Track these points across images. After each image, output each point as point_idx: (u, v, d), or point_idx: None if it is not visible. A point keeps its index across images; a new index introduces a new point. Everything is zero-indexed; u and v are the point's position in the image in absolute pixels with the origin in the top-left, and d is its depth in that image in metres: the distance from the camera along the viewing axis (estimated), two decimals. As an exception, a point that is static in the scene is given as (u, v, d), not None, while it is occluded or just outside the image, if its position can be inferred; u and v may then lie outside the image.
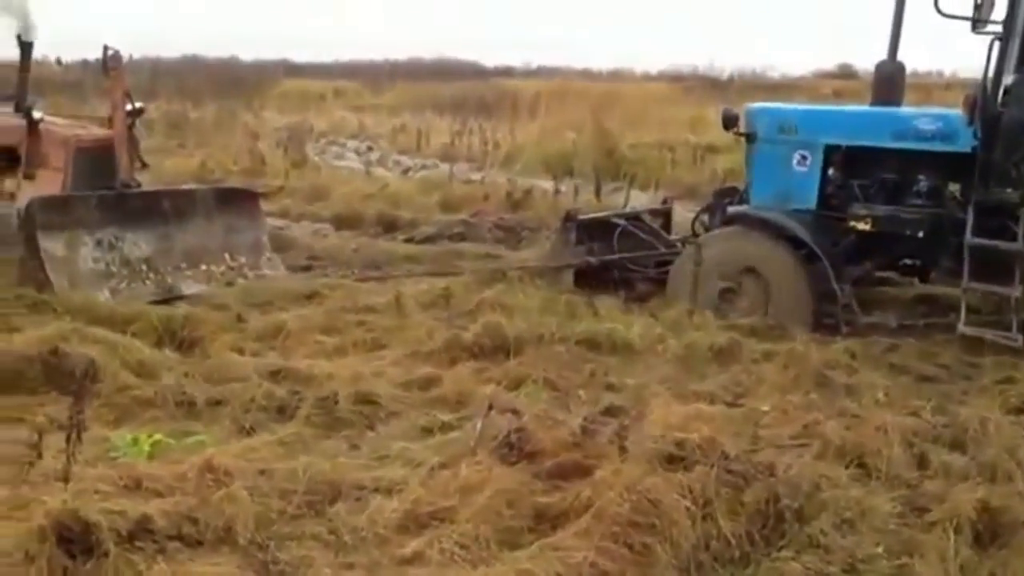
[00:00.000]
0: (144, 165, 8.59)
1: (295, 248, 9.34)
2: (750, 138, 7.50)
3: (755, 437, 4.51)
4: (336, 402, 4.94)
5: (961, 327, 6.36)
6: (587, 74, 40.11)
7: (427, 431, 4.75)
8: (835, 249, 6.90)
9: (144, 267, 7.21)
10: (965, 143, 6.56)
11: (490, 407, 4.43)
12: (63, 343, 5.14)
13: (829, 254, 6.78)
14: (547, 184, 13.93)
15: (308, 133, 24.94)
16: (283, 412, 4.93)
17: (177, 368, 5.32)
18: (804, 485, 3.82)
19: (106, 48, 7.22)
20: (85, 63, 39.71)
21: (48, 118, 7.81)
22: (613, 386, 5.50)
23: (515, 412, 4.40)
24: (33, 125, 7.49)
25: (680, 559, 3.42)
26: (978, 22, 6.34)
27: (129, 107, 7.67)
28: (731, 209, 7.54)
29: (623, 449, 4.07)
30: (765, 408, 5.03)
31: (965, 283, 6.41)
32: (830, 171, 7.23)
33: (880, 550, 3.60)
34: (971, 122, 6.39)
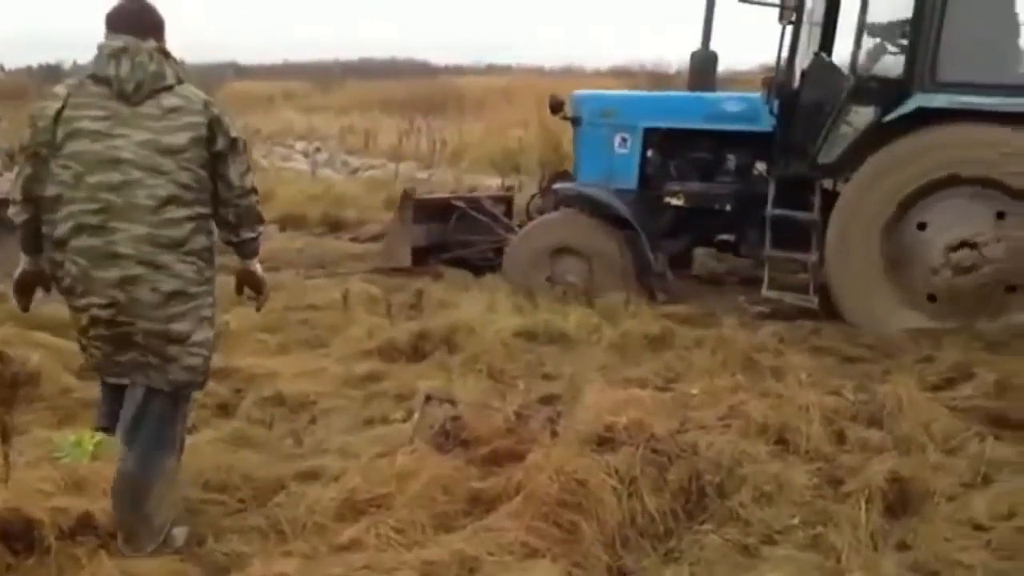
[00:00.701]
0: None
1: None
2: (576, 122, 7.92)
3: (683, 419, 4.69)
4: (280, 400, 5.05)
5: (764, 291, 6.94)
6: (538, 71, 40.27)
7: (368, 424, 4.88)
8: (654, 225, 7.38)
9: None
10: (767, 123, 7.10)
11: (428, 398, 4.57)
12: (4, 347, 5.18)
13: (647, 229, 7.22)
14: (494, 181, 14.08)
15: (254, 135, 24.92)
16: (225, 409, 5.04)
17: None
18: (725, 461, 4.01)
19: None
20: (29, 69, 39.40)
21: None
22: (550, 375, 5.67)
23: (451, 402, 4.54)
24: None
25: (606, 535, 3.57)
26: (784, 10, 6.81)
27: None
28: (557, 187, 8.01)
29: (554, 434, 4.23)
30: (694, 391, 5.19)
31: (767, 251, 6.95)
32: (649, 152, 7.70)
33: (796, 521, 3.79)
34: (767, 102, 6.97)
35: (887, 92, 6.67)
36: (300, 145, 24.56)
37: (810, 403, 4.81)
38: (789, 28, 6.88)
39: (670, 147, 7.74)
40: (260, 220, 3.42)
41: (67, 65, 41.33)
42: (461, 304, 6.77)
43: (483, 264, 8.16)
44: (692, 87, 8.05)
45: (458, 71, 42.72)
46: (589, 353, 6.05)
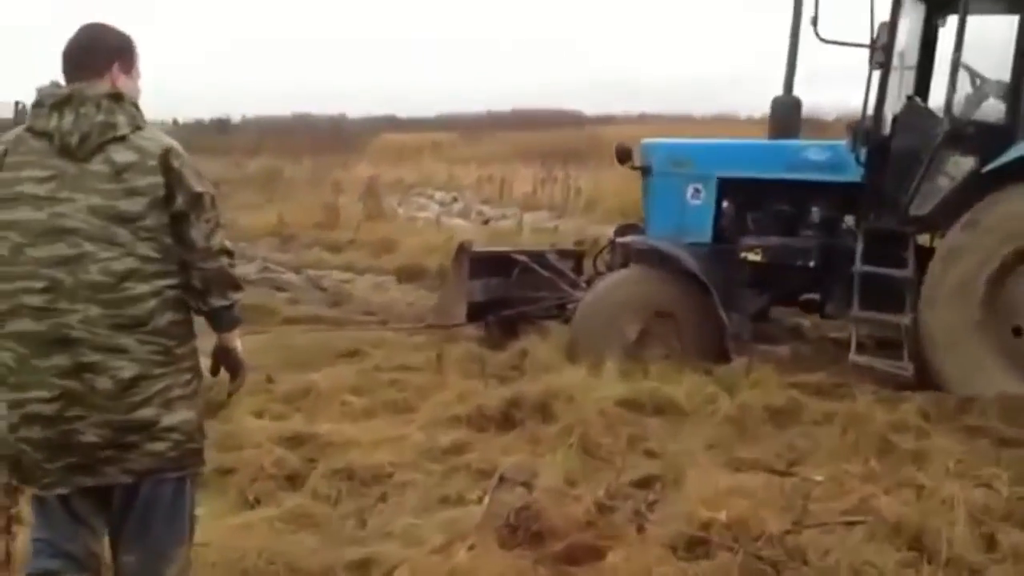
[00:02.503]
0: None
1: (351, 302, 9.18)
2: (645, 172, 7.42)
3: (802, 512, 4.03)
4: (352, 472, 4.65)
5: (852, 356, 6.27)
6: (688, 119, 39.52)
7: (443, 503, 4.41)
8: (729, 281, 6.78)
9: None
10: (855, 173, 6.51)
11: (501, 479, 4.07)
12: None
13: (720, 286, 6.64)
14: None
15: (397, 186, 25.25)
16: (293, 482, 4.67)
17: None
18: (842, 574, 3.35)
19: None
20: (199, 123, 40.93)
21: None
22: (652, 452, 5.08)
23: (527, 485, 4.02)
24: None
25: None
26: (875, 51, 6.28)
27: None
28: (621, 240, 7.50)
29: (641, 530, 3.66)
30: (818, 478, 4.53)
31: (855, 312, 6.33)
32: (724, 204, 7.24)
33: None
34: (854, 149, 6.41)
35: (987, 139, 6.08)
36: (439, 195, 24.69)
37: (956, 498, 4.08)
38: (877, 70, 6.33)
39: (748, 199, 7.18)
40: (234, 286, 2.93)
41: (236, 119, 43.28)
42: (564, 368, 6.23)
43: (545, 320, 7.63)
44: (773, 135, 7.45)
45: (609, 120, 42.41)
46: (700, 427, 5.43)
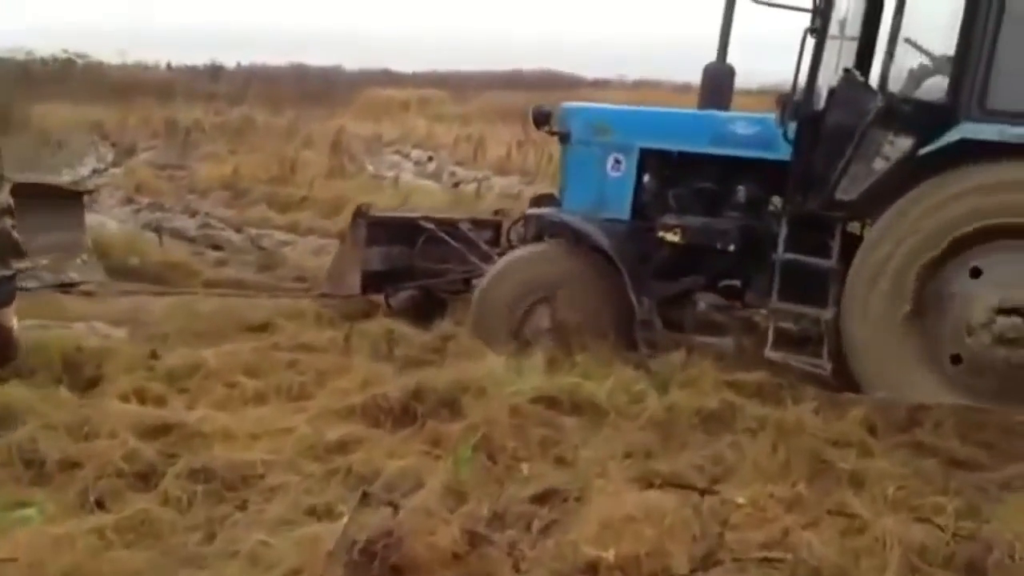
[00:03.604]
0: None
1: (284, 266, 8.60)
2: (563, 138, 6.77)
3: (709, 548, 3.51)
4: (215, 472, 4.09)
5: (767, 351, 5.81)
6: (686, 88, 38.64)
7: (309, 515, 3.85)
8: (645, 263, 6.26)
9: None
10: (785, 150, 5.91)
11: (364, 494, 3.53)
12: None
13: (634, 268, 6.13)
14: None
15: (374, 141, 24.59)
16: (146, 480, 4.12)
17: (44, 417, 4.52)
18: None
19: None
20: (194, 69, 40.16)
21: None
22: (563, 459, 4.53)
23: (394, 506, 3.48)
24: None
25: None
26: (814, 16, 5.73)
27: None
28: (532, 212, 6.90)
29: (517, 570, 3.13)
30: (740, 500, 4.00)
31: (773, 303, 5.87)
32: (646, 177, 6.60)
33: None
34: (782, 124, 5.86)
35: (926, 119, 5.54)
36: (415, 153, 24.01)
37: (890, 535, 3.57)
38: (811, 38, 5.76)
39: (670, 173, 6.58)
40: (18, 252, 2.37)
41: (231, 65, 42.34)
42: (488, 355, 5.66)
43: (451, 295, 7.05)
44: (703, 105, 6.85)
45: (606, 85, 41.48)
46: (621, 431, 4.86)
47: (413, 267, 7.28)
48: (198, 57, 41.19)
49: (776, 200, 6.35)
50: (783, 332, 5.91)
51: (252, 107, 30.31)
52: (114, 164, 18.75)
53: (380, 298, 7.22)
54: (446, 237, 7.25)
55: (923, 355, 5.57)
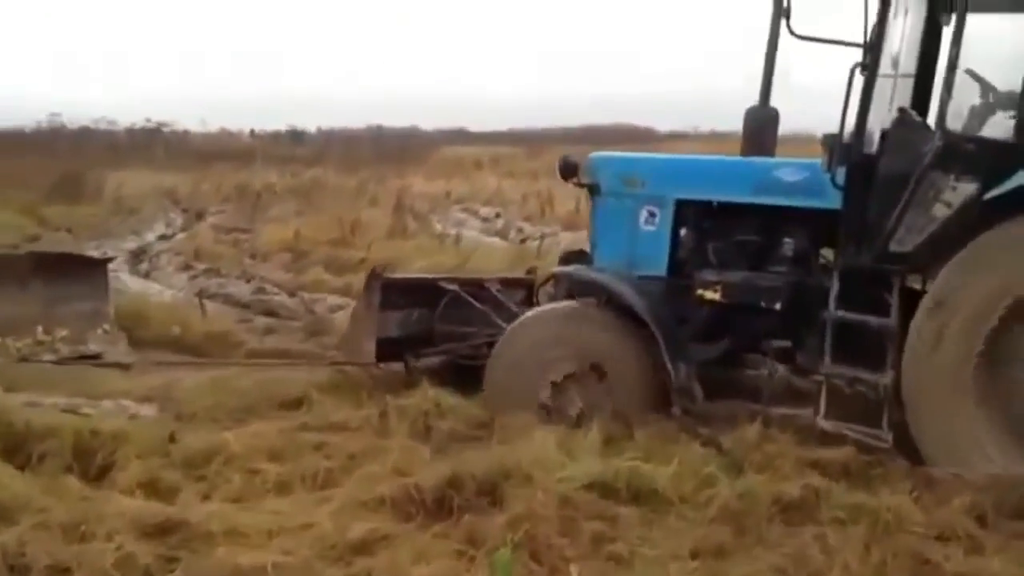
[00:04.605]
0: None
1: (332, 332, 8.16)
2: (593, 191, 6.34)
3: None
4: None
5: (820, 421, 5.25)
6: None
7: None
8: (683, 324, 5.80)
9: None
10: (836, 198, 5.40)
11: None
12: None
13: (670, 329, 5.65)
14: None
15: (444, 199, 24.45)
16: (137, 593, 3.63)
17: (41, 514, 4.08)
18: None
19: None
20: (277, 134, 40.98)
21: None
22: (620, 557, 3.94)
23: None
24: None
25: None
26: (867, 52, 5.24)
27: None
28: (559, 271, 6.45)
29: None
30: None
31: (826, 366, 5.30)
32: (682, 231, 6.17)
33: None
34: (829, 169, 5.31)
35: (991, 160, 4.96)
36: (484, 210, 23.75)
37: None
38: (860, 75, 5.26)
39: (709, 226, 6.08)
40: None
41: (312, 129, 43.18)
42: (537, 433, 5.09)
43: (474, 365, 6.35)
44: (746, 152, 6.31)
45: (682, 137, 40.96)
46: (688, 524, 4.25)
47: (433, 331, 6.78)
48: (280, 123, 42.07)
49: (827, 253, 5.83)
50: (837, 398, 5.29)
51: (327, 169, 30.56)
52: (182, 229, 18.80)
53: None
54: (470, 299, 6.74)
55: (996, 425, 4.94)
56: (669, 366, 5.51)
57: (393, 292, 6.57)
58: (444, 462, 4.68)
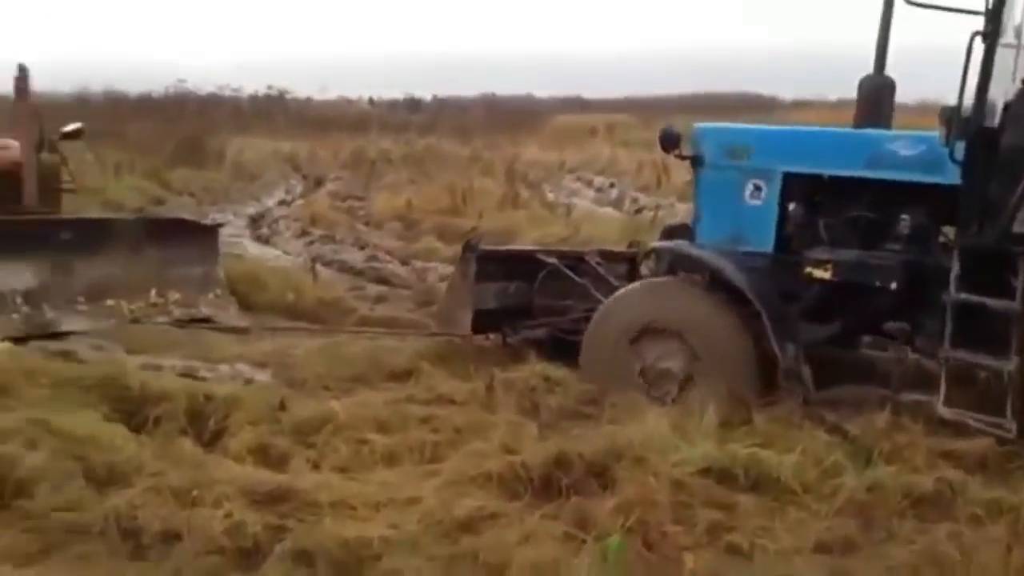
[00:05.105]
0: (69, 190, 8.26)
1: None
2: (696, 162, 6.06)
3: None
4: (322, 555, 3.55)
5: (940, 408, 4.92)
6: (901, 108, 36.10)
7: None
8: (791, 303, 5.52)
9: (19, 300, 6.69)
10: (955, 173, 5.06)
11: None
12: (10, 436, 4.09)
13: (776, 309, 5.37)
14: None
15: (558, 168, 24.27)
16: (249, 559, 3.61)
17: (153, 478, 4.11)
18: None
19: (20, 67, 7.15)
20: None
21: None
22: (738, 548, 3.75)
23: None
24: None
25: None
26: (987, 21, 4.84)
27: (69, 128, 7.78)
28: (659, 245, 6.26)
29: None
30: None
31: (945, 350, 4.97)
32: (790, 205, 5.90)
33: None
34: (947, 143, 4.96)
35: None
36: (598, 180, 23.47)
37: None
38: (980, 43, 4.87)
39: (820, 200, 5.79)
40: None
41: (428, 97, 43.56)
42: (649, 413, 4.91)
43: (573, 340, 6.15)
44: (860, 123, 5.96)
45: (805, 106, 39.65)
46: (812, 516, 4.01)
47: (531, 305, 6.65)
48: (398, 90, 42.39)
49: (948, 231, 5.49)
50: (958, 384, 4.97)
51: (440, 137, 30.67)
52: (301, 196, 19.09)
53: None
54: (568, 272, 6.58)
55: None
56: (775, 346, 5.25)
57: (489, 264, 6.50)
58: (552, 440, 4.56)
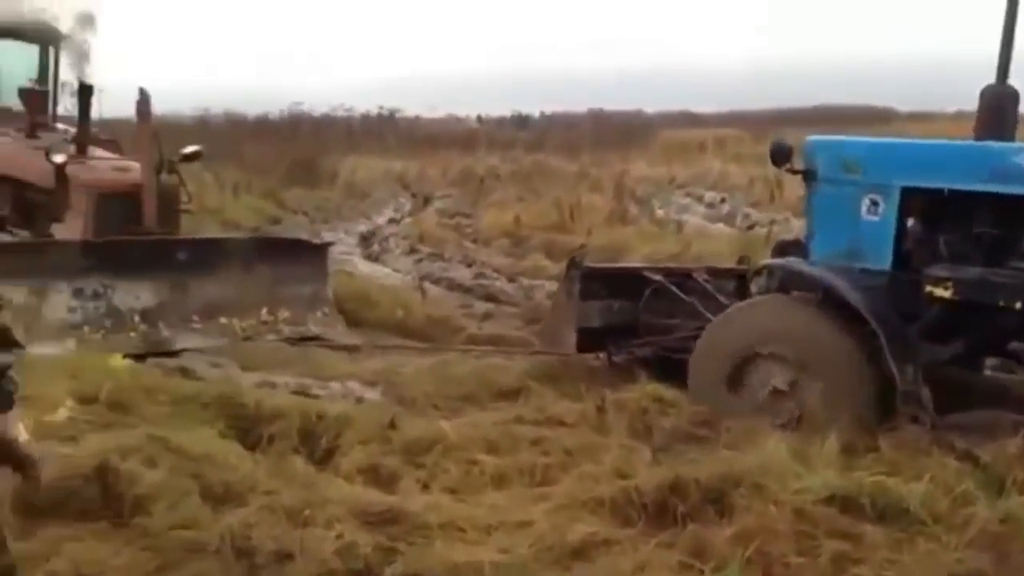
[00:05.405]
0: (187, 211, 8.43)
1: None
2: (808, 177, 5.83)
3: None
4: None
5: None
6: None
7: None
8: (910, 323, 5.28)
9: (136, 318, 6.87)
10: None
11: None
12: (131, 454, 4.17)
13: (894, 328, 5.17)
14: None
15: (668, 183, 24.03)
16: (361, 581, 3.60)
17: (268, 497, 4.14)
18: None
19: (141, 91, 7.33)
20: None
21: (92, 160, 7.88)
22: (863, 587, 3.57)
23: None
24: (59, 169, 7.48)
25: None
26: None
27: (188, 150, 7.97)
28: (769, 263, 6.03)
29: None
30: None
31: None
32: (909, 221, 5.71)
33: None
34: None
35: None
36: (708, 195, 23.14)
37: None
38: None
39: (940, 216, 5.53)
40: (2, 342, 1.85)
41: (536, 114, 43.89)
42: (768, 439, 4.73)
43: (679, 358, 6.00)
44: (981, 134, 5.66)
45: (925, 117, 38.42)
46: (942, 548, 3.80)
47: (637, 323, 6.55)
48: (506, 107, 42.75)
49: None
50: None
51: (548, 154, 30.70)
52: (410, 213, 19.33)
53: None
54: (675, 290, 6.47)
55: None
56: (893, 368, 5.04)
57: (594, 282, 6.45)
58: (666, 464, 4.44)
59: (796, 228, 15.12)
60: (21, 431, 2.01)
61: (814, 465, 4.35)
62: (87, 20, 7.97)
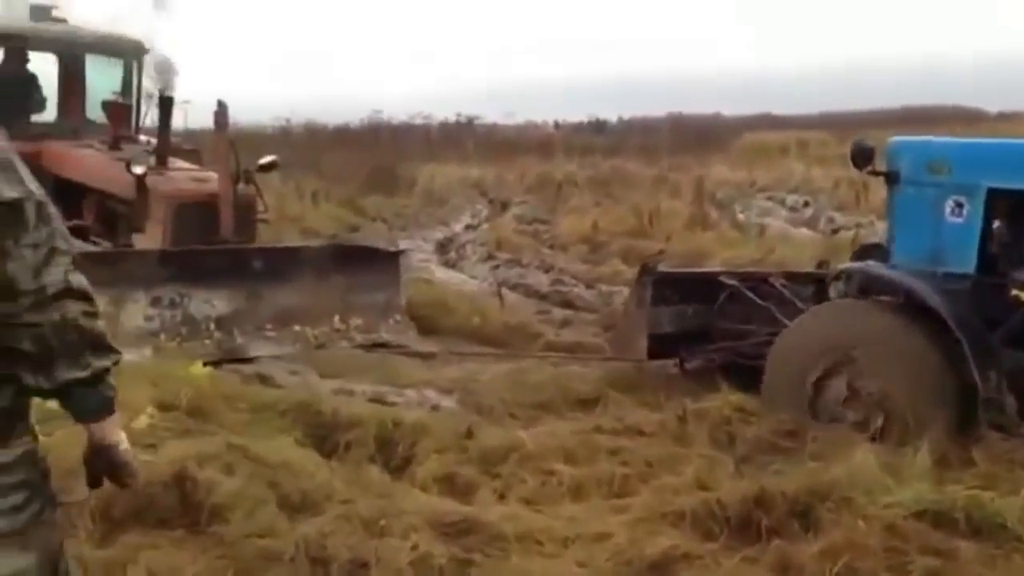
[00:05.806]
0: (264, 220, 8.51)
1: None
2: (891, 179, 5.69)
3: None
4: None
5: None
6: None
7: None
8: (995, 328, 5.09)
9: (211, 326, 6.93)
10: None
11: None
12: (209, 461, 4.19)
13: (977, 333, 5.01)
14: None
15: (749, 187, 23.66)
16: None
17: (344, 505, 4.13)
18: None
19: (219, 103, 7.40)
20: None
21: (171, 171, 7.96)
22: (958, 605, 3.40)
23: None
24: (139, 180, 7.55)
25: None
26: None
27: (264, 160, 8.02)
28: (847, 267, 5.94)
29: None
30: None
31: None
32: (995, 224, 5.50)
33: None
34: None
35: None
36: (791, 199, 22.72)
37: None
38: None
39: None
40: (97, 347, 1.82)
41: (614, 119, 43.78)
42: (856, 450, 4.57)
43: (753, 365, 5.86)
44: None
45: (1012, 118, 37.18)
46: (1040, 567, 3.62)
47: (711, 328, 6.45)
48: (583, 112, 42.71)
49: None
50: None
51: (627, 159, 30.51)
52: (487, 220, 19.35)
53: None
54: (750, 294, 6.33)
55: None
56: (976, 375, 4.87)
57: (666, 287, 6.37)
58: (749, 476, 4.32)
59: (881, 232, 14.80)
60: (123, 438, 1.99)
61: (905, 478, 4.19)
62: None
